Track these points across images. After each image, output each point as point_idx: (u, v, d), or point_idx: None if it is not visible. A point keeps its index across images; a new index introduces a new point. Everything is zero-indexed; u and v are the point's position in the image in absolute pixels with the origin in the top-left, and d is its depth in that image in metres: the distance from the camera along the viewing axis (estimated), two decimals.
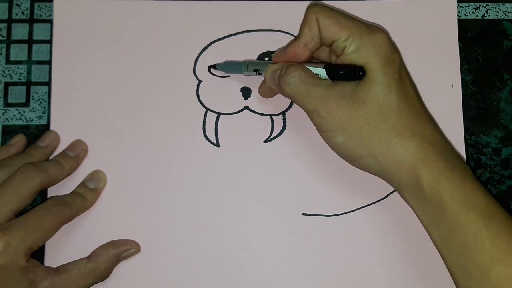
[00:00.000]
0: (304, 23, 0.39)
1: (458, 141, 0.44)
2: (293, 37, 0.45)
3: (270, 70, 0.40)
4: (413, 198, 0.37)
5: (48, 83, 0.45)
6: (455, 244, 0.35)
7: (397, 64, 0.37)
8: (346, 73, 0.37)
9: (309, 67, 0.38)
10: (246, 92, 0.44)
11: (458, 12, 0.46)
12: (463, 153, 0.44)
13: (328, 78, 0.38)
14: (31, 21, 0.46)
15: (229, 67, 0.44)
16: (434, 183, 0.35)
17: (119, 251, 0.41)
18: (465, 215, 0.34)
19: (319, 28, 0.38)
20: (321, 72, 0.38)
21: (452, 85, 0.45)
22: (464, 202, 0.35)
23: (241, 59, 0.44)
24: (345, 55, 0.37)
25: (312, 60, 0.41)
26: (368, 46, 0.37)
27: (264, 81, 0.43)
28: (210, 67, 0.44)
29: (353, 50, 0.37)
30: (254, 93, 0.44)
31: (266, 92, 0.43)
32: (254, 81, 0.44)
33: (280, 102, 0.44)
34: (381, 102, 0.36)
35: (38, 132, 0.44)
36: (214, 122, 0.44)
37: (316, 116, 0.37)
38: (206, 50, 0.45)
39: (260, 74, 0.41)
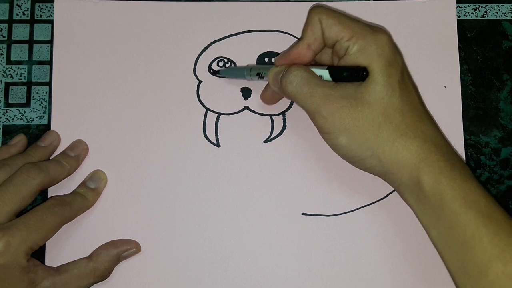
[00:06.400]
0: (307, 24, 0.39)
1: (457, 141, 0.44)
2: (293, 38, 0.45)
3: (273, 72, 0.40)
4: (413, 197, 0.37)
5: (48, 83, 0.45)
6: (454, 243, 0.35)
7: (399, 66, 0.38)
8: (350, 74, 0.37)
9: (312, 69, 0.38)
10: (246, 92, 0.44)
11: (458, 12, 0.47)
12: (462, 153, 0.44)
13: (331, 80, 0.38)
14: (32, 21, 0.46)
15: (232, 73, 0.44)
16: (435, 182, 0.35)
17: (120, 251, 0.41)
18: (464, 213, 0.35)
19: (322, 28, 0.38)
20: (324, 73, 0.38)
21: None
22: (464, 200, 0.35)
23: (241, 59, 0.45)
24: (348, 55, 0.37)
25: (315, 64, 0.41)
26: (371, 46, 0.37)
27: (266, 86, 0.43)
28: (213, 73, 0.44)
29: (357, 50, 0.37)
30: (254, 93, 0.44)
31: (269, 97, 0.43)
32: (254, 82, 0.44)
33: (280, 102, 0.44)
34: (386, 104, 0.36)
35: (38, 132, 0.44)
36: (214, 122, 0.44)
37: (318, 117, 0.37)
38: (206, 50, 0.45)
39: (262, 78, 0.41)
